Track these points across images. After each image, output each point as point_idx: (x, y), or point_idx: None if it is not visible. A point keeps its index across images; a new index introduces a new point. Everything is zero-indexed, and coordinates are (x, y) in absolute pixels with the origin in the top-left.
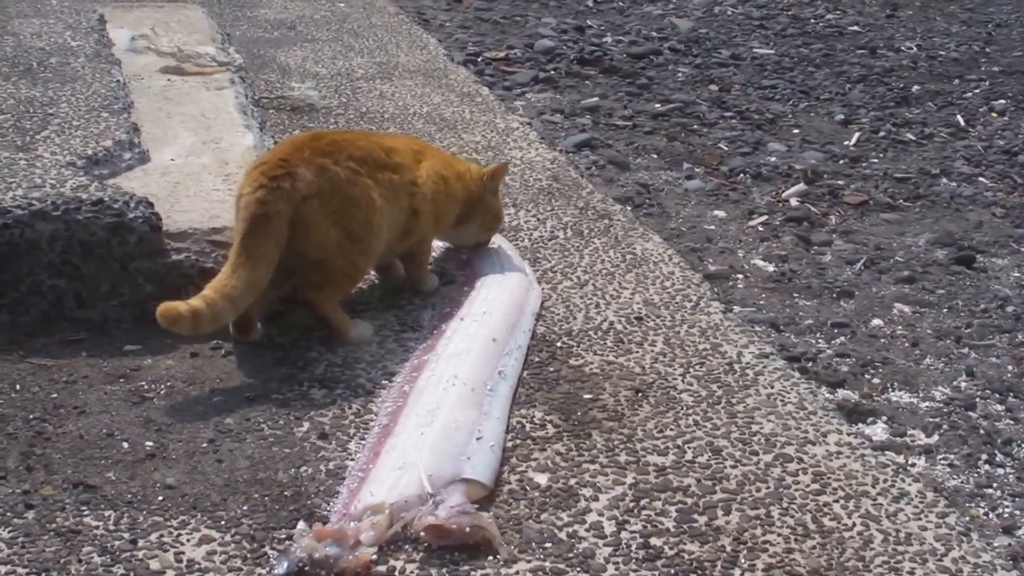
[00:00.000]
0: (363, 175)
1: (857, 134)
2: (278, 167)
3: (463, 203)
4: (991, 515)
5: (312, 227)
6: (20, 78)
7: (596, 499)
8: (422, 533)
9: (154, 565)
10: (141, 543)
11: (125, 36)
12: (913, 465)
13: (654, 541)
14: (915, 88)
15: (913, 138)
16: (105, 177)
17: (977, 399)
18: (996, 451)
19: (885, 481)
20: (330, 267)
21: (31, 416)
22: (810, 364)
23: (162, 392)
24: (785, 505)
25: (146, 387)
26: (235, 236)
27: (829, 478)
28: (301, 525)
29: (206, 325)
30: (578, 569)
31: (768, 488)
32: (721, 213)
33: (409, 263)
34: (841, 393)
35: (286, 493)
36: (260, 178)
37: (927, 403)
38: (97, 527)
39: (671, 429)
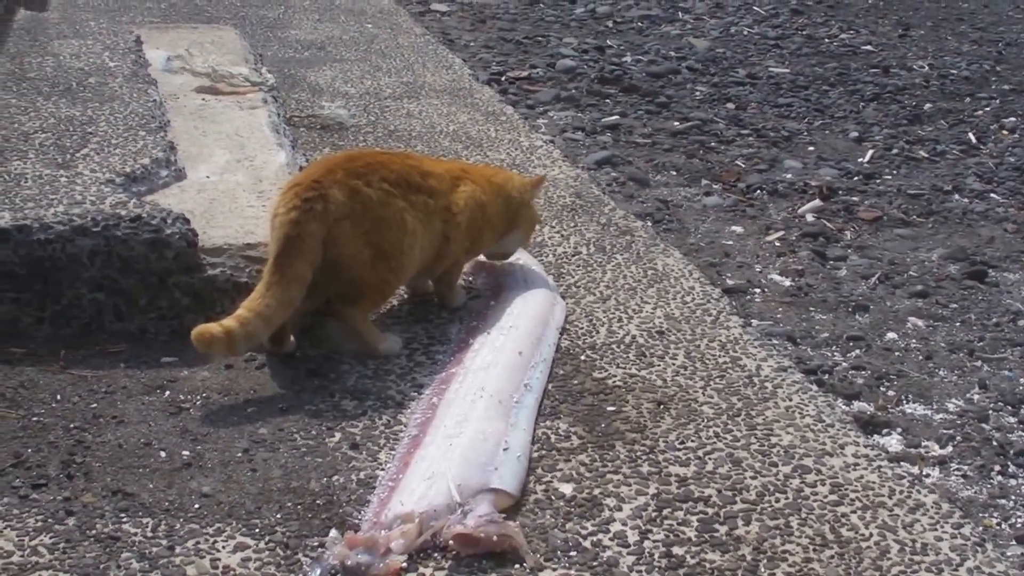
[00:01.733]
0: (396, 196)
1: (871, 151)
2: (311, 188)
3: (505, 215)
4: (1004, 525)
5: (344, 247)
6: (60, 98)
7: (620, 509)
8: (451, 541)
9: (191, 571)
10: (178, 550)
11: (161, 57)
12: (928, 476)
13: (676, 550)
14: (927, 106)
15: (926, 155)
16: (143, 194)
17: (990, 411)
18: (1009, 462)
19: (901, 492)
20: (362, 283)
21: (71, 425)
22: (827, 377)
23: (198, 403)
24: (804, 515)
25: (183, 398)
26: (269, 255)
27: (846, 489)
28: (333, 533)
29: (240, 345)
30: None
31: (787, 499)
32: (739, 229)
33: (439, 282)
34: (857, 405)
35: (318, 502)
36: (294, 199)
37: (941, 415)
38: (136, 534)
39: (692, 441)
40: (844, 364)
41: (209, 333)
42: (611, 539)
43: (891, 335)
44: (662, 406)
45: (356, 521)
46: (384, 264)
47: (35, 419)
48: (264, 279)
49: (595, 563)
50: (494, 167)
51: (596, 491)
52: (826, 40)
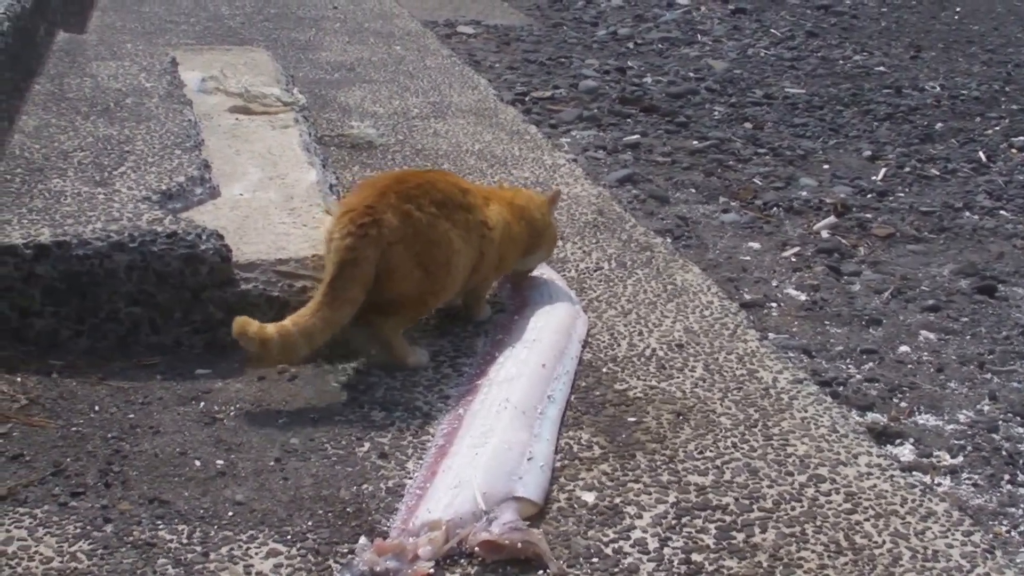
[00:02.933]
0: (443, 218)
1: (884, 169)
2: (365, 214)
3: (528, 235)
4: (1014, 533)
5: (396, 268)
6: (98, 117)
7: (640, 517)
8: (477, 548)
9: None
10: (212, 556)
11: (196, 78)
12: (939, 485)
13: (695, 557)
14: (939, 126)
15: (937, 173)
16: (178, 211)
17: (999, 422)
18: (1018, 471)
19: (913, 501)
20: (404, 300)
21: (109, 435)
22: (841, 388)
23: (232, 413)
24: (819, 523)
25: (217, 409)
26: (325, 276)
27: (860, 498)
28: (363, 540)
29: (281, 353)
30: None
31: (803, 507)
32: (756, 245)
33: (468, 296)
34: (870, 416)
35: (348, 509)
36: (348, 224)
37: (952, 426)
38: (171, 540)
39: (711, 451)
40: (858, 376)
41: (264, 332)
42: (632, 546)
43: (904, 348)
44: (681, 417)
45: (385, 528)
46: (429, 284)
47: (74, 429)
48: (317, 298)
49: (616, 569)
50: (511, 189)
51: (617, 499)
52: (840, 62)
